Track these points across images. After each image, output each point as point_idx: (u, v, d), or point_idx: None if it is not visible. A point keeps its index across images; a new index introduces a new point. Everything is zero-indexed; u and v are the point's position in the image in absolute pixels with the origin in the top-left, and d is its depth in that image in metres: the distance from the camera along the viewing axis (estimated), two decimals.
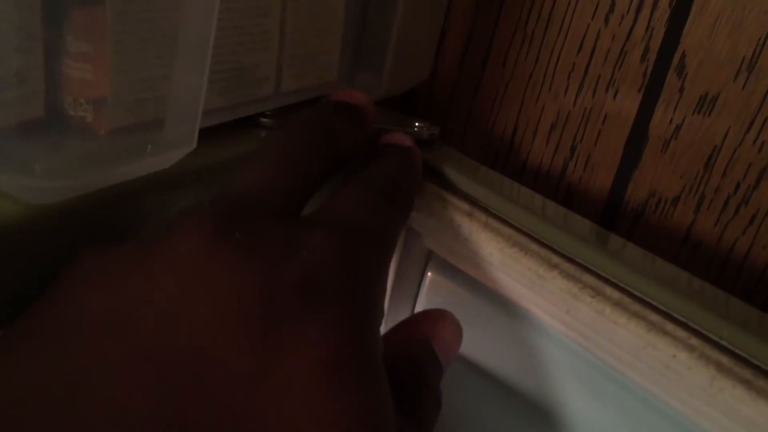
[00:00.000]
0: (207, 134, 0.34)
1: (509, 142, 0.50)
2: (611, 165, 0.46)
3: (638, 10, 0.42)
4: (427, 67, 0.48)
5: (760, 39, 0.38)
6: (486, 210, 0.36)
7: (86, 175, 0.29)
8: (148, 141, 0.32)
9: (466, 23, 0.50)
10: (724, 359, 0.28)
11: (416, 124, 0.42)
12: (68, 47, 0.30)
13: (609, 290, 0.31)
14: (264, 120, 0.40)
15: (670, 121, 0.43)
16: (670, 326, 0.29)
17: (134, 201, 0.33)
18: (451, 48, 0.51)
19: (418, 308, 0.41)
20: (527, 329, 0.35)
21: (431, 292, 0.40)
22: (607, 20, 0.43)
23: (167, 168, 0.33)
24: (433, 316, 0.31)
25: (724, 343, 0.28)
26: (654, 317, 0.30)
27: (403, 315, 0.42)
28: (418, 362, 0.29)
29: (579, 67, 0.45)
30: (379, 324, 0.27)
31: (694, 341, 0.29)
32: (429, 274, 0.40)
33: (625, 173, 0.46)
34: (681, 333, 0.29)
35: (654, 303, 0.31)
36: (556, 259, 0.33)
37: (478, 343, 0.37)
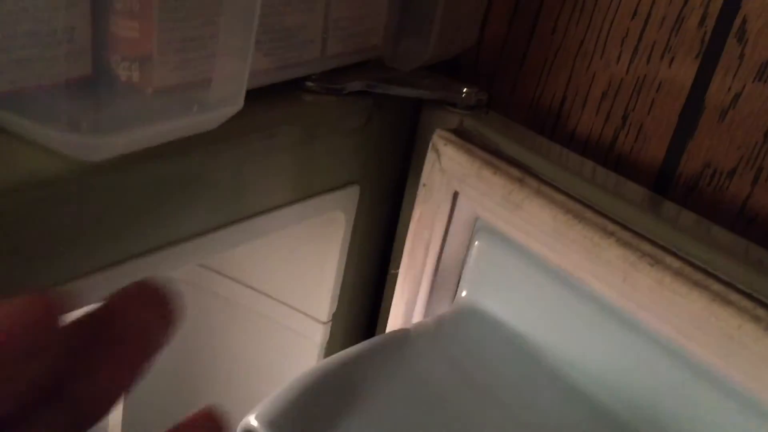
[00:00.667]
0: (252, 96, 0.33)
1: (557, 112, 0.48)
2: (664, 135, 0.44)
3: None
4: (473, 33, 0.47)
5: None
6: (538, 177, 0.35)
7: (132, 133, 0.28)
8: (194, 101, 0.31)
9: None
10: None
11: (464, 89, 0.41)
12: (115, 5, 0.30)
13: (669, 259, 0.30)
14: (309, 84, 0.39)
15: (729, 89, 0.41)
16: (734, 296, 0.28)
17: (179, 161, 0.33)
18: (499, 14, 0.49)
19: (465, 278, 0.40)
20: (579, 299, 0.34)
21: (479, 261, 0.39)
22: None
23: (213, 129, 0.32)
24: None
25: None
26: (717, 287, 0.28)
27: (449, 286, 0.41)
28: None
29: (633, 34, 0.44)
30: None
31: (761, 312, 0.27)
32: (477, 242, 0.39)
33: (679, 144, 0.44)
34: (746, 303, 0.28)
35: (716, 273, 0.29)
36: (612, 226, 0.32)
37: (528, 314, 0.36)
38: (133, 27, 0.30)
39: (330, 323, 0.46)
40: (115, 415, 0.53)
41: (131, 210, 0.32)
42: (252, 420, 0.32)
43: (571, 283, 0.35)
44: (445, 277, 0.41)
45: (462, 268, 0.40)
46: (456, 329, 0.39)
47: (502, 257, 0.38)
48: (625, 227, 0.32)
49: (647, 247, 0.31)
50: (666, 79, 0.44)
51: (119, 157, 0.30)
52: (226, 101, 0.31)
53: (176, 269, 0.40)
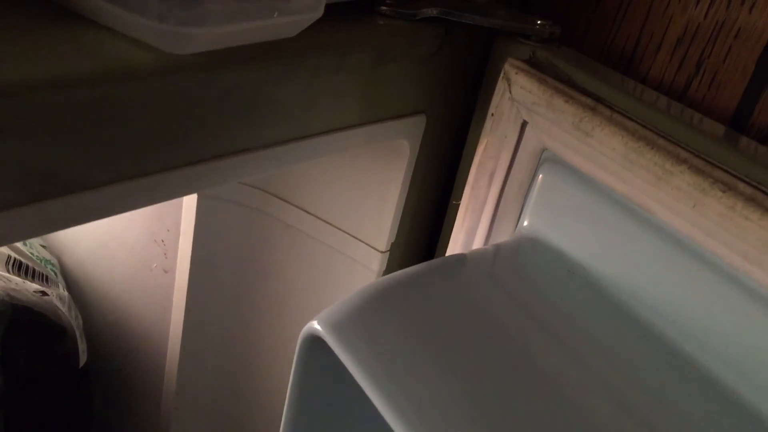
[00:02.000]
0: (328, 15, 0.34)
1: (630, 55, 0.48)
2: (739, 84, 0.43)
3: None
4: None
5: None
6: (610, 106, 0.35)
7: (216, 28, 0.29)
8: (275, 8, 0.32)
9: None
10: None
11: (538, 21, 0.40)
12: None
13: (741, 186, 0.30)
14: (384, 8, 0.40)
15: None
16: None
17: (257, 69, 0.33)
18: None
19: (527, 209, 0.40)
20: (645, 229, 0.34)
21: (543, 192, 0.39)
22: None
23: (291, 36, 0.33)
24: None
25: None
26: None
27: (511, 217, 0.41)
28: None
29: None
30: None
31: None
32: (542, 174, 0.39)
33: (754, 94, 0.43)
34: None
35: None
36: (684, 153, 0.31)
37: (590, 244, 0.36)
38: None
39: (388, 252, 0.47)
40: (175, 331, 0.55)
41: (206, 113, 0.33)
42: (316, 324, 0.33)
43: (637, 214, 0.35)
44: (508, 208, 0.41)
45: (525, 199, 0.40)
46: (515, 257, 0.39)
47: (567, 189, 0.38)
48: (697, 155, 0.31)
49: (719, 173, 0.30)
50: (746, 25, 0.42)
51: (203, 57, 0.31)
52: (305, 8, 0.32)
53: (241, 178, 0.41)
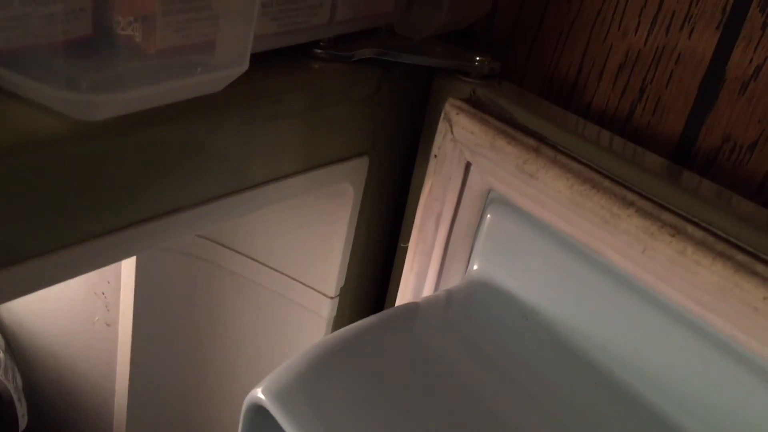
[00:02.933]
0: (258, 61, 0.32)
1: (572, 83, 0.47)
2: (683, 108, 0.43)
3: None
4: (487, 2, 0.45)
5: None
6: (553, 146, 0.34)
7: (133, 92, 0.27)
8: (198, 63, 0.30)
9: None
10: None
11: (477, 58, 0.39)
12: None
13: (691, 229, 0.29)
14: (318, 51, 0.38)
15: (750, 61, 0.40)
16: (759, 267, 0.27)
17: (181, 126, 0.32)
18: None
19: (477, 251, 0.39)
20: (595, 272, 0.33)
21: (491, 234, 0.38)
22: None
23: (217, 91, 0.31)
24: None
25: None
26: (741, 257, 0.27)
27: (460, 259, 0.40)
28: None
29: (652, 3, 0.42)
30: None
31: None
32: (489, 215, 0.38)
33: (698, 117, 0.43)
34: None
35: (740, 243, 0.28)
36: (631, 196, 0.31)
37: (541, 287, 0.35)
38: None
39: (338, 298, 0.46)
40: (121, 386, 0.53)
41: (131, 175, 0.31)
42: (259, 393, 0.31)
43: (586, 256, 0.34)
44: (456, 250, 0.40)
45: (474, 241, 0.39)
46: (467, 303, 0.38)
47: (515, 230, 0.37)
48: (644, 197, 0.31)
49: (668, 216, 0.30)
50: (686, 50, 0.42)
51: (120, 119, 0.29)
52: (230, 63, 0.30)
53: (177, 238, 0.39)
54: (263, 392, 0.31)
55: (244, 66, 0.30)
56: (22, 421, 0.53)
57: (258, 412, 0.32)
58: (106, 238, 0.31)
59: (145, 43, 0.30)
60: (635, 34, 0.44)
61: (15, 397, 0.52)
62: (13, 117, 0.27)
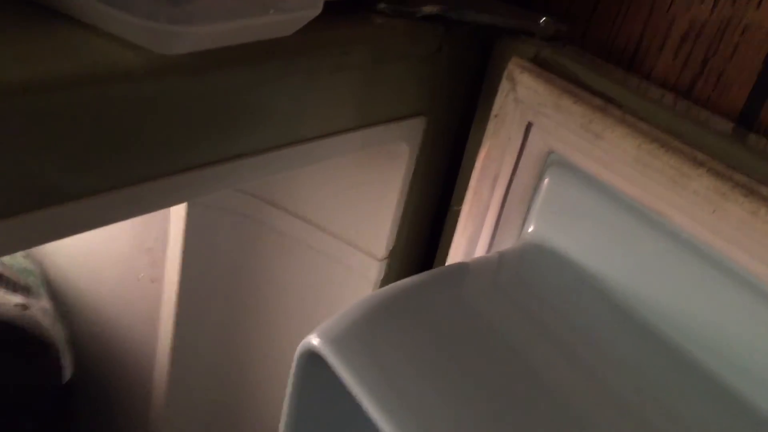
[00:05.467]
0: (325, 13, 0.32)
1: (632, 54, 0.46)
2: (746, 83, 0.42)
3: None
4: None
5: None
6: (621, 106, 0.33)
7: (209, 26, 0.28)
8: (271, 5, 0.30)
9: None
10: None
11: (542, 18, 0.39)
12: None
13: (765, 190, 0.28)
14: (382, 6, 0.38)
15: None
16: None
17: (252, 70, 0.32)
18: None
19: (533, 215, 0.38)
20: (659, 236, 0.33)
21: (549, 197, 0.38)
22: None
23: (287, 37, 0.31)
24: None
25: None
26: None
27: (515, 223, 0.39)
28: None
29: None
30: None
31: None
32: (548, 177, 0.37)
33: (761, 93, 0.42)
34: None
35: None
36: (701, 156, 0.30)
37: (601, 251, 0.35)
38: None
39: (386, 260, 0.46)
40: (163, 342, 0.53)
41: (200, 117, 0.31)
42: (314, 339, 0.31)
43: (649, 219, 0.33)
44: (511, 213, 0.39)
45: (530, 204, 0.39)
46: (520, 264, 0.38)
47: (575, 192, 0.36)
48: (715, 158, 0.30)
49: (740, 177, 0.29)
50: (753, 22, 0.41)
51: (193, 58, 0.29)
52: (303, 4, 0.30)
53: (232, 186, 0.40)
54: (318, 338, 0.31)
55: (318, 9, 0.30)
56: (67, 372, 0.54)
57: (311, 359, 0.32)
58: (167, 179, 0.32)
59: None
60: (700, 5, 0.43)
61: (61, 347, 0.53)
62: (91, 48, 0.27)
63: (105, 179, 0.29)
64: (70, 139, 0.27)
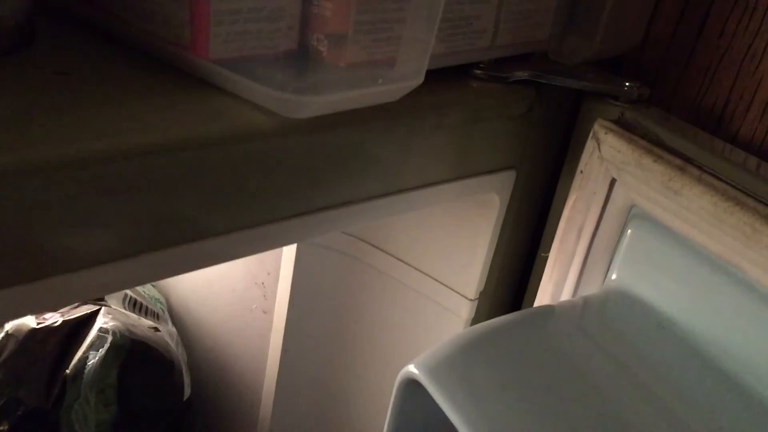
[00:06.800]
0: (427, 79, 0.36)
1: (719, 116, 0.48)
2: None
3: None
4: (639, 33, 0.48)
5: None
6: (699, 166, 0.36)
7: (328, 96, 0.33)
8: (379, 76, 0.35)
9: None
10: None
11: (626, 83, 0.42)
12: None
13: None
14: (477, 71, 0.42)
15: None
16: None
17: (362, 130, 0.36)
18: (666, 14, 0.50)
19: (616, 263, 0.41)
20: (733, 286, 0.35)
21: (632, 247, 0.40)
22: None
23: (393, 101, 0.36)
24: None
25: None
26: None
27: (599, 270, 0.42)
28: None
29: None
30: None
31: None
32: (630, 229, 0.40)
33: None
34: None
35: None
36: None
37: (680, 299, 0.37)
38: (332, 9, 0.35)
39: (477, 300, 0.49)
40: (271, 369, 0.58)
41: (317, 169, 0.36)
42: (413, 367, 0.35)
43: (725, 270, 0.35)
44: (596, 261, 0.42)
45: (613, 253, 0.41)
46: (603, 309, 0.40)
47: (656, 243, 0.39)
48: None
49: None
50: None
51: (314, 120, 0.34)
52: (408, 76, 0.35)
53: (340, 230, 0.44)
54: (417, 367, 0.35)
55: (420, 79, 0.35)
56: (187, 390, 0.59)
57: (409, 386, 0.36)
58: (288, 221, 0.36)
59: (338, 57, 0.35)
60: None
61: (184, 368, 0.59)
62: (233, 113, 0.33)
63: (237, 220, 0.34)
64: (214, 186, 0.32)
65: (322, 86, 0.33)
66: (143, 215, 0.31)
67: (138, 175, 0.29)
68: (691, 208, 0.35)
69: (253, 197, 0.34)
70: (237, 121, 0.32)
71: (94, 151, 0.28)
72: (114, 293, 0.61)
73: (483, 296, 0.49)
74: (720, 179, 0.35)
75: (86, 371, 0.51)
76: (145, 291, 0.65)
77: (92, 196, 0.28)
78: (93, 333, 0.53)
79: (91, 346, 0.52)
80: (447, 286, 0.50)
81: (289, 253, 0.55)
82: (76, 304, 0.56)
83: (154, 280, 0.35)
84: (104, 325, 0.54)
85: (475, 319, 0.49)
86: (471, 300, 0.49)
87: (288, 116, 0.33)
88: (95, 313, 0.56)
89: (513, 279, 0.50)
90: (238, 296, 0.61)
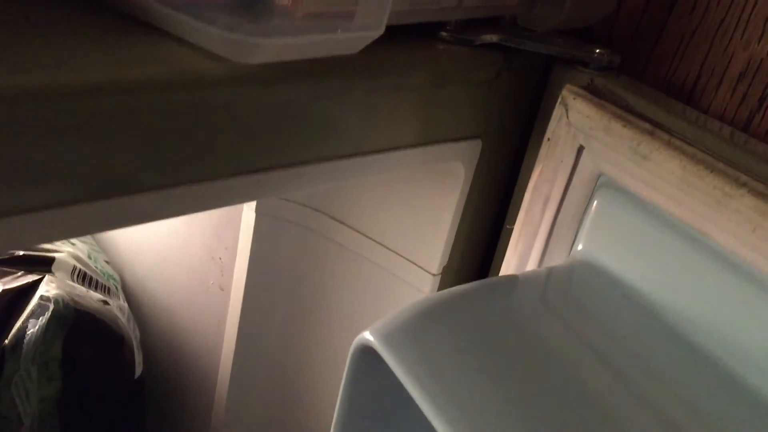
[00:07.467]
0: (389, 36, 0.35)
1: (689, 90, 0.47)
2: None
3: None
4: (611, 3, 0.47)
5: None
6: (668, 131, 0.35)
7: (281, 40, 0.31)
8: (339, 25, 0.33)
9: None
10: None
11: (596, 50, 0.41)
12: None
13: None
14: (443, 33, 0.41)
15: None
16: None
17: (318, 84, 0.35)
18: None
19: (582, 234, 0.40)
20: (701, 254, 0.34)
21: (598, 217, 0.39)
22: None
23: (352, 56, 0.34)
24: None
25: None
26: None
27: (565, 241, 0.41)
28: None
29: None
30: None
31: None
32: (597, 198, 0.39)
33: None
34: None
35: None
36: (744, 177, 0.31)
37: (646, 268, 0.36)
38: None
39: (440, 275, 0.47)
40: (228, 346, 0.56)
41: (268, 124, 0.34)
42: (367, 334, 0.33)
43: (693, 238, 0.34)
44: (562, 232, 0.41)
45: (579, 224, 0.40)
46: (568, 280, 0.39)
47: (623, 213, 0.37)
48: (757, 179, 0.31)
49: None
50: None
51: (267, 69, 0.32)
52: (368, 27, 0.33)
53: (297, 191, 0.42)
54: (372, 334, 0.33)
55: (380, 30, 0.33)
56: (138, 368, 0.57)
57: (364, 354, 0.34)
58: (234, 179, 0.34)
59: (294, 7, 0.33)
60: (758, 44, 0.44)
61: (135, 344, 0.57)
62: (179, 57, 0.31)
63: (180, 175, 0.32)
64: (155, 136, 0.30)
65: (276, 30, 0.31)
66: (74, 161, 0.28)
67: (66, 115, 0.27)
68: (659, 173, 0.34)
69: (197, 150, 0.32)
70: (180, 65, 0.30)
71: (19, 87, 0.26)
72: (62, 268, 0.58)
73: (446, 271, 0.47)
74: (690, 144, 0.34)
75: (26, 341, 0.48)
76: (98, 267, 0.62)
77: (15, 136, 0.26)
78: (34, 301, 0.50)
79: (31, 315, 0.50)
80: (410, 261, 0.48)
81: (247, 226, 0.53)
82: (18, 273, 0.53)
83: (88, 233, 0.32)
84: (46, 293, 0.51)
85: None
86: (434, 275, 0.47)
87: (238, 61, 0.31)
88: (37, 282, 0.53)
89: (478, 254, 0.49)
90: (195, 272, 0.59)
